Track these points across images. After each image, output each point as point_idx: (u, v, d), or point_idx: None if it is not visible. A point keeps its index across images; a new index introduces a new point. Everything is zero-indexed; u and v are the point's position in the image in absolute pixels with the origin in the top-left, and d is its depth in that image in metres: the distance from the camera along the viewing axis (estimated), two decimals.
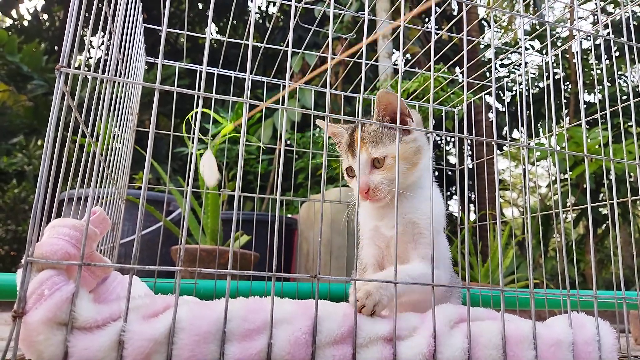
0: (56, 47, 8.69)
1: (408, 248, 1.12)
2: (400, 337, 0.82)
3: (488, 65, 1.82)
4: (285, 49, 1.35)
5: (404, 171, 1.12)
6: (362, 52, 1.15)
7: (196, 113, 0.80)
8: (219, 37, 8.64)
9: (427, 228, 1.10)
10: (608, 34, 1.31)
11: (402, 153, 1.10)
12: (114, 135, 1.29)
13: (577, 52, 1.43)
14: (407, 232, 1.12)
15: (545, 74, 1.84)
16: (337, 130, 1.28)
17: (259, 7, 8.87)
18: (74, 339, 0.67)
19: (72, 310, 0.68)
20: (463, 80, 1.05)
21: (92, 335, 0.68)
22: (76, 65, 0.75)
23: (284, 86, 1.52)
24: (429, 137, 1.19)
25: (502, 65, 7.51)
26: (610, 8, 7.36)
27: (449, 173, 7.67)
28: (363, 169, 1.11)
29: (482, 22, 7.93)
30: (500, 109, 8.96)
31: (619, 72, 7.81)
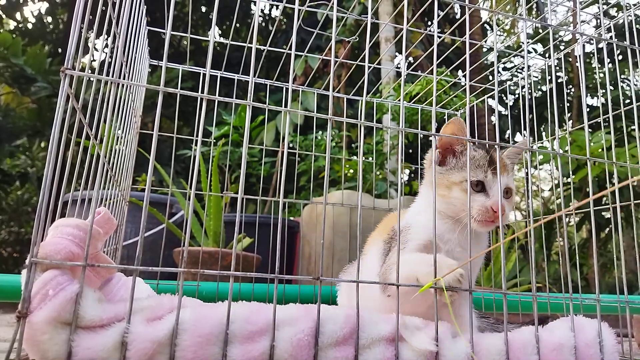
0: (60, 50, 8.73)
1: None
2: (403, 338, 0.82)
3: (491, 69, 1.82)
4: (288, 52, 1.36)
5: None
6: (365, 55, 1.15)
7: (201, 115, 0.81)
8: (222, 40, 8.66)
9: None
10: (611, 37, 1.31)
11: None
12: (117, 137, 1.30)
13: (579, 55, 1.43)
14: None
15: (548, 78, 1.85)
16: (460, 135, 1.11)
17: (262, 10, 8.90)
18: (78, 339, 0.68)
19: (76, 310, 0.68)
20: (466, 84, 1.06)
21: (96, 335, 0.68)
22: (80, 68, 0.75)
23: (287, 89, 1.52)
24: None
25: (504, 69, 7.50)
26: (613, 12, 7.35)
27: None
28: (501, 192, 1.06)
29: (485, 25, 7.93)
30: (503, 112, 8.95)
31: (622, 76, 7.79)
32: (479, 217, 1.04)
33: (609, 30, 1.57)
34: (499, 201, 1.00)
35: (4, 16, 9.09)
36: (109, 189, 1.23)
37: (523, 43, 1.38)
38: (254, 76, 0.84)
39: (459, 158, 1.13)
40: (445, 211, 1.10)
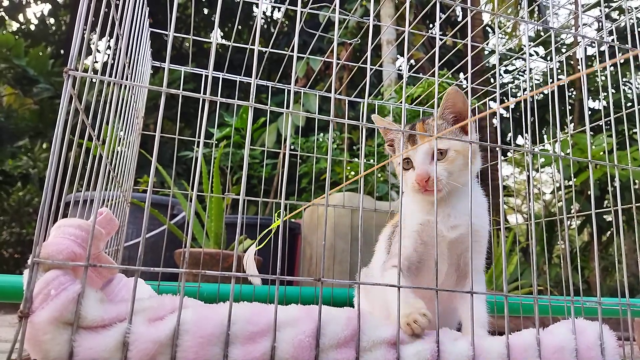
0: (62, 51, 8.76)
1: (466, 255, 1.08)
2: (404, 341, 0.82)
3: (492, 71, 1.82)
4: (290, 54, 1.36)
5: (461, 168, 1.10)
6: (366, 57, 1.15)
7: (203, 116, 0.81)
8: (224, 41, 8.68)
9: (485, 237, 1.12)
10: (613, 40, 1.31)
11: (463, 150, 1.09)
12: (120, 138, 1.30)
13: (581, 58, 1.43)
14: (467, 237, 1.07)
15: (550, 80, 1.85)
16: (389, 126, 1.20)
17: (264, 13, 8.92)
18: (80, 339, 0.68)
19: (78, 310, 0.68)
20: (467, 86, 1.06)
21: (97, 335, 0.69)
22: (83, 69, 0.76)
23: (288, 91, 1.53)
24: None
25: (506, 72, 7.51)
26: (615, 15, 7.35)
27: None
28: (423, 159, 1.09)
29: (487, 28, 7.93)
30: (505, 115, 8.95)
31: (624, 79, 7.78)
32: (417, 192, 1.10)
33: (610, 33, 1.56)
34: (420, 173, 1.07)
35: (6, 17, 9.12)
36: (110, 190, 1.23)
37: (525, 46, 1.38)
38: (256, 78, 0.84)
39: (393, 141, 1.24)
40: (411, 191, 1.15)
